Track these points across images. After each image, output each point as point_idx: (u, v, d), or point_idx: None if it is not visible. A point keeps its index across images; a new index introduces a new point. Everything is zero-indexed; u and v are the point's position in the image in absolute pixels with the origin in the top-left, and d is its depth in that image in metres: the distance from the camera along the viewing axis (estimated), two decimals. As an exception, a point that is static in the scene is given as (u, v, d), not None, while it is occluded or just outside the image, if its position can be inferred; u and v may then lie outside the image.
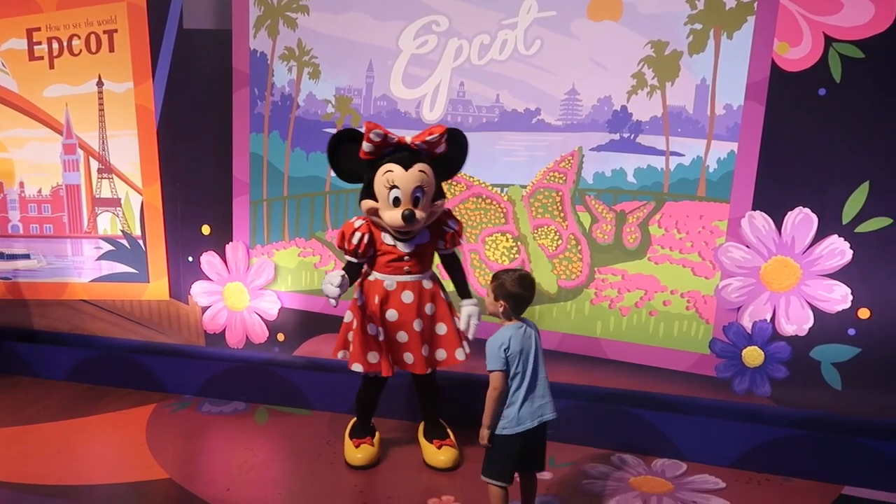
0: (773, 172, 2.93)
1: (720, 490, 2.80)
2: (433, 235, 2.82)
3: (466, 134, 3.15)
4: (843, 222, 2.86)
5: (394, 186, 2.62)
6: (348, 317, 2.87)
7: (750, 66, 2.90)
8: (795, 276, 2.96)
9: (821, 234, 2.90)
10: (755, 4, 2.86)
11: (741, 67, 2.91)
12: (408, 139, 2.68)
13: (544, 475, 2.81)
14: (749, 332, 3.03)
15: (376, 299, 2.75)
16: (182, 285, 3.90)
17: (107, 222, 4.03)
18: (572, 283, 3.26)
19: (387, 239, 2.74)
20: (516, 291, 2.31)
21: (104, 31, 3.82)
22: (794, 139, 2.88)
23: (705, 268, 3.07)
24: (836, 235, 2.88)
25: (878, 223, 2.82)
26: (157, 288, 3.97)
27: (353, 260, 2.77)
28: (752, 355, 3.04)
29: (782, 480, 2.89)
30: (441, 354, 2.85)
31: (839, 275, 2.89)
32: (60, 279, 4.17)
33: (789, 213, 2.92)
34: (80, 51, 3.88)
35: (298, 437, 3.25)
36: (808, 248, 2.92)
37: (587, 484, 2.80)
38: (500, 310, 2.34)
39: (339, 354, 2.87)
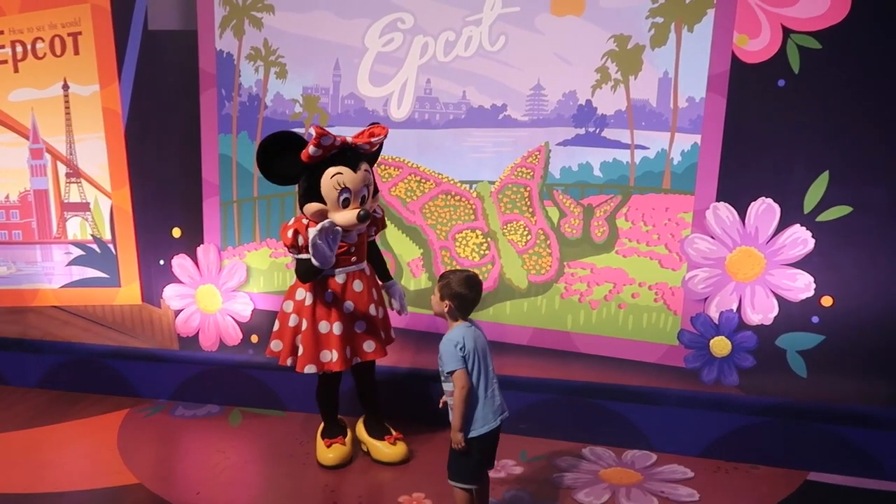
0: (736, 164, 2.95)
1: (688, 479, 2.82)
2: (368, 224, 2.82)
3: (434, 131, 3.17)
4: (805, 211, 2.88)
5: (344, 188, 2.61)
6: (293, 321, 2.82)
7: (711, 58, 2.92)
8: (760, 266, 2.98)
9: (783, 224, 2.92)
10: (714, -3, 2.88)
11: (702, 60, 2.93)
12: (349, 139, 2.66)
13: (514, 469, 2.82)
14: (716, 322, 3.05)
15: (330, 296, 2.74)
16: (154, 289, 3.86)
17: (76, 227, 3.98)
18: (542, 278, 3.27)
19: None
20: (461, 292, 2.30)
21: (68, 34, 3.77)
22: (755, 130, 2.91)
23: (672, 260, 3.09)
24: (798, 225, 2.90)
25: (838, 212, 2.85)
26: (128, 292, 3.93)
27: (307, 256, 2.68)
28: (720, 345, 3.06)
29: (749, 468, 2.92)
30: (384, 336, 2.91)
31: (802, 263, 2.91)
32: (30, 285, 4.11)
33: (752, 203, 2.95)
34: (45, 54, 3.83)
35: (272, 438, 3.23)
36: (771, 238, 2.94)
37: (557, 477, 2.81)
38: (446, 309, 2.33)
39: (289, 361, 2.83)
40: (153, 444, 3.20)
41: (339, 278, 2.76)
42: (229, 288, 3.71)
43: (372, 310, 2.79)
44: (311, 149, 2.55)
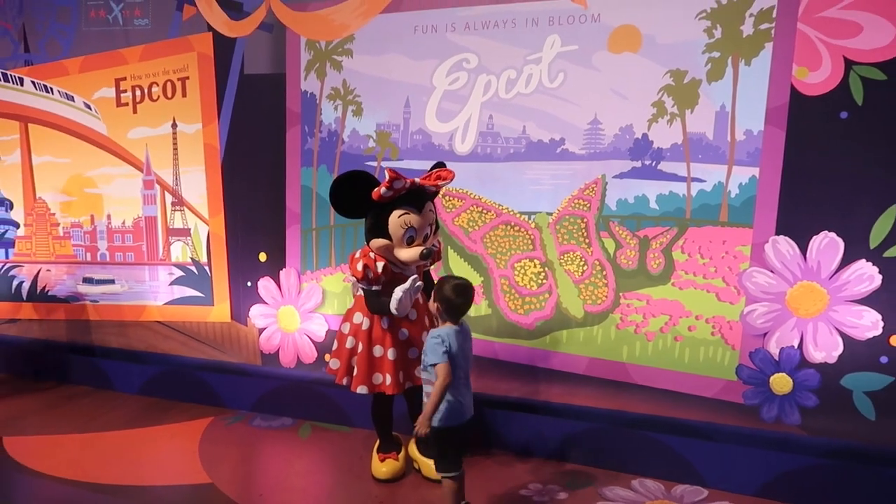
0: (797, 197, 2.86)
1: (738, 518, 2.72)
2: None
3: (496, 164, 3.28)
4: (871, 246, 2.75)
5: (410, 227, 2.74)
6: (350, 342, 2.96)
7: (769, 91, 2.87)
8: (823, 302, 2.86)
9: (848, 259, 2.79)
10: (772, 31, 2.85)
11: (760, 93, 2.88)
12: (417, 181, 2.79)
13: (559, 495, 2.82)
14: (776, 358, 2.94)
15: (386, 321, 2.86)
16: (242, 308, 4.15)
17: (178, 250, 4.36)
18: (598, 308, 3.27)
19: (393, 267, 2.86)
20: (449, 297, 2.53)
21: (178, 79, 4.19)
22: (816, 163, 2.82)
23: (730, 293, 3.02)
24: (863, 260, 2.77)
25: (907, 247, 2.70)
26: (220, 311, 4.25)
27: (376, 288, 2.85)
28: (780, 382, 2.94)
29: (807, 511, 2.77)
30: None
31: (869, 300, 2.77)
32: (139, 302, 4.52)
33: (814, 237, 2.84)
34: (158, 97, 4.27)
35: (335, 451, 3.38)
36: (834, 273, 2.82)
37: (601, 505, 2.79)
38: (436, 310, 2.58)
39: (344, 381, 2.97)
40: (230, 449, 3.42)
41: None
42: (307, 309, 3.94)
43: (425, 336, 2.88)
44: (382, 190, 2.68)
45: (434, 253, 3.00)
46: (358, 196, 2.76)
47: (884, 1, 2.65)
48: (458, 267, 3.53)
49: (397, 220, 2.73)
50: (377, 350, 2.85)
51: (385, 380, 2.84)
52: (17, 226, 4.92)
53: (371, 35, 3.60)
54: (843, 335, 2.82)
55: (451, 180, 2.85)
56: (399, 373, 2.87)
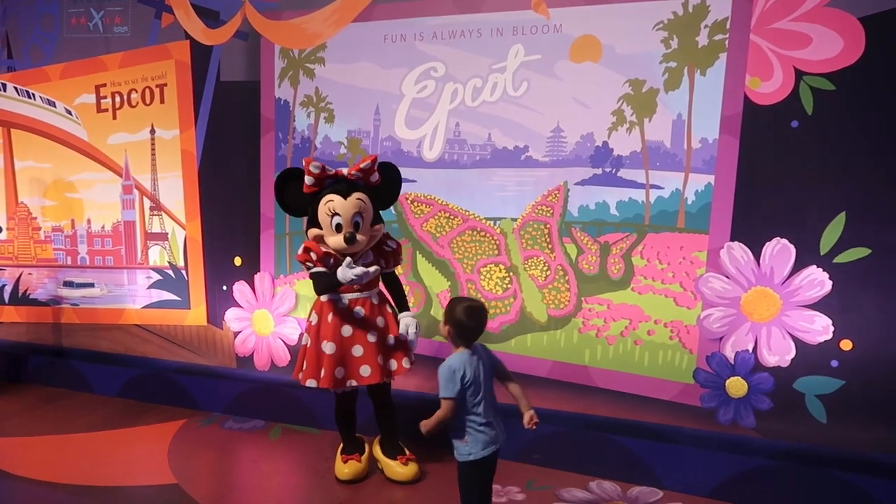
0: (750, 203, 2.93)
1: (688, 518, 2.77)
2: (376, 256, 3.00)
3: (462, 171, 3.35)
4: (822, 252, 2.81)
5: (335, 214, 2.82)
6: (304, 339, 3.03)
7: (723, 100, 2.94)
8: (776, 307, 2.92)
9: (799, 265, 2.86)
10: (726, 42, 2.92)
11: (715, 102, 2.95)
12: (344, 171, 2.90)
13: (516, 496, 2.87)
14: (732, 362, 3.00)
15: (330, 317, 2.93)
16: (217, 312, 4.20)
17: (156, 254, 4.42)
18: (561, 312, 3.33)
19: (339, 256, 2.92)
20: (462, 320, 2.36)
21: (156, 85, 4.26)
22: (769, 171, 2.88)
23: (687, 298, 3.08)
24: (814, 266, 2.83)
25: (856, 253, 2.76)
26: (196, 314, 4.30)
27: (319, 269, 2.90)
28: (736, 386, 3.00)
29: (757, 512, 2.82)
30: (392, 365, 3.00)
31: (819, 305, 2.83)
32: (118, 305, 4.57)
33: (767, 243, 2.91)
34: (137, 103, 4.33)
35: (302, 453, 3.44)
36: (787, 279, 2.88)
37: (556, 506, 2.84)
38: (447, 335, 2.41)
39: (299, 376, 3.03)
40: (199, 451, 3.48)
41: (342, 304, 2.95)
42: (280, 313, 4.00)
43: (371, 337, 2.93)
44: (306, 179, 2.82)
45: (388, 252, 3.05)
46: (295, 192, 2.88)
47: (832, 13, 2.72)
48: (427, 272, 3.59)
49: (323, 206, 2.84)
50: (324, 346, 2.92)
51: (320, 374, 2.89)
52: (0, 230, 4.98)
53: (342, 44, 3.67)
54: (796, 339, 2.88)
55: (371, 164, 2.91)
56: (336, 368, 2.91)
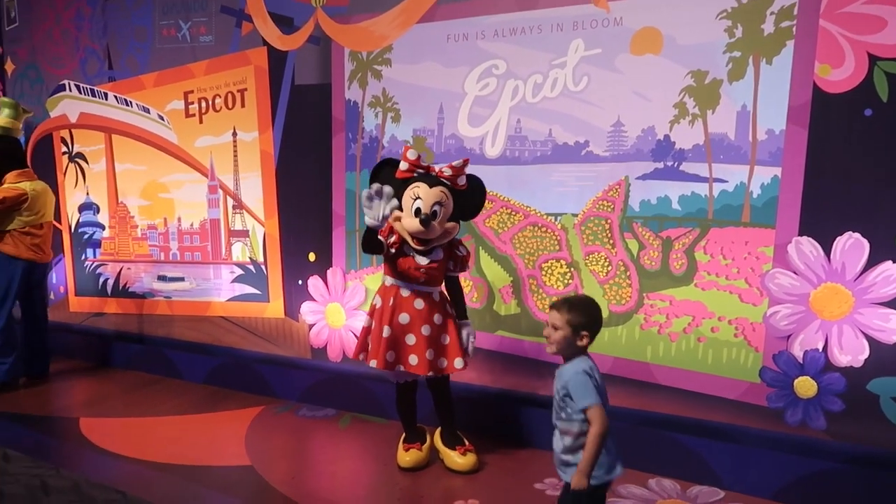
0: (820, 196, 2.82)
1: (749, 520, 2.71)
2: (446, 256, 3.08)
3: (523, 167, 3.39)
4: (898, 247, 2.68)
5: (417, 198, 2.94)
6: (367, 321, 3.17)
7: (791, 90, 2.84)
8: (848, 304, 2.80)
9: (873, 260, 2.73)
10: (794, 29, 2.82)
11: (782, 92, 2.86)
12: (435, 168, 3.01)
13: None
14: (800, 361, 2.90)
15: (391, 301, 3.04)
16: (293, 305, 4.43)
17: (238, 251, 4.69)
18: (622, 308, 3.31)
19: (408, 250, 3.04)
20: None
21: (237, 90, 4.52)
22: (840, 162, 2.77)
23: (752, 294, 3.00)
24: (890, 262, 2.70)
25: (936, 248, 2.62)
26: (275, 307, 4.54)
27: (380, 238, 2.97)
28: (805, 386, 2.90)
29: (824, 517, 2.72)
30: (443, 362, 3.07)
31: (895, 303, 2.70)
32: (205, 298, 4.89)
33: (839, 238, 2.79)
34: (221, 108, 4.62)
35: (369, 441, 3.58)
36: (860, 275, 2.76)
37: (612, 502, 2.83)
38: (581, 342, 2.15)
39: (360, 357, 3.17)
40: (273, 436, 3.68)
41: (404, 292, 3.06)
42: (351, 306, 4.16)
43: (425, 330, 3.01)
44: (402, 164, 2.99)
45: (459, 258, 3.14)
46: (386, 177, 3.02)
47: (908, -6, 2.58)
48: (489, 267, 3.65)
49: (409, 190, 2.98)
50: (385, 330, 3.03)
51: (386, 356, 3.01)
52: (102, 228, 5.42)
53: (407, 45, 3.78)
54: (870, 338, 2.75)
55: (465, 163, 3.04)
56: (388, 352, 3.01)
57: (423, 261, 3.03)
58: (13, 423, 3.89)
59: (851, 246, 2.76)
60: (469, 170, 3.27)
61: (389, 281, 3.11)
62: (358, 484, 3.09)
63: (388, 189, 2.80)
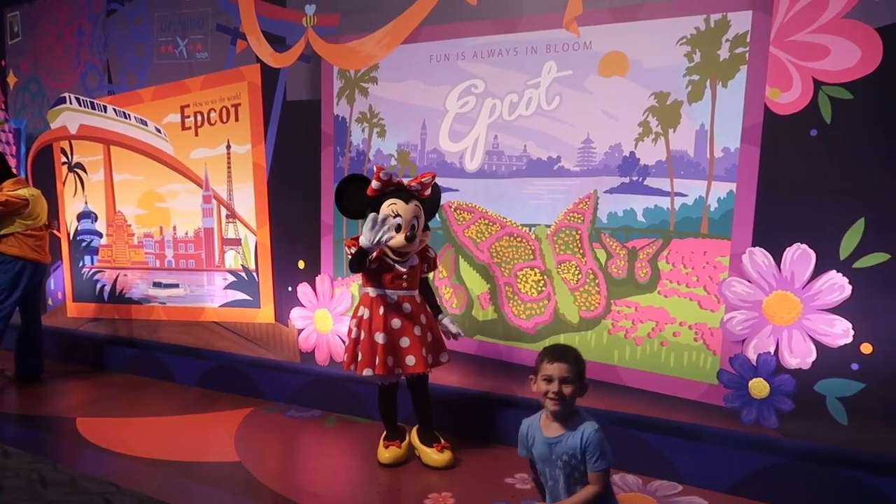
0: (771, 210, 3.02)
1: (703, 510, 2.89)
2: (420, 260, 3.32)
3: (500, 180, 3.60)
4: (841, 258, 2.88)
5: (397, 215, 3.13)
6: (354, 333, 3.33)
7: (744, 111, 3.06)
8: (796, 311, 3.00)
9: (819, 270, 2.93)
10: (747, 55, 3.03)
11: (736, 113, 3.07)
12: (405, 181, 3.22)
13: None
14: (754, 363, 3.09)
15: (381, 310, 3.23)
16: (283, 311, 4.61)
17: (231, 258, 4.88)
18: (591, 314, 3.51)
19: (388, 262, 3.24)
20: None
21: (231, 105, 4.73)
22: (789, 178, 2.97)
23: (711, 301, 3.20)
24: (834, 271, 2.90)
25: (876, 258, 2.81)
26: (265, 313, 4.73)
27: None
28: (758, 387, 3.09)
29: (770, 508, 2.91)
30: (430, 359, 3.28)
31: (840, 309, 2.89)
32: (199, 304, 5.07)
33: (788, 248, 2.99)
34: (216, 121, 4.82)
35: (352, 440, 3.76)
36: (807, 283, 2.96)
37: (576, 494, 3.02)
38: (575, 391, 2.26)
39: (352, 367, 3.34)
40: (261, 435, 3.86)
41: (391, 300, 3.25)
42: (338, 312, 4.35)
43: (417, 331, 3.21)
44: (374, 183, 3.15)
45: (430, 259, 3.36)
46: (356, 196, 3.21)
47: (850, 24, 2.80)
48: (468, 275, 3.84)
49: (386, 208, 3.16)
50: (377, 337, 3.22)
51: (375, 362, 3.20)
52: (100, 235, 5.61)
53: (393, 64, 3.99)
54: (816, 342, 2.95)
55: (432, 179, 3.25)
56: (388, 357, 3.20)
57: (403, 269, 3.23)
58: (13, 423, 4.07)
59: (800, 256, 2.97)
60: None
61: (374, 292, 3.29)
62: (341, 479, 3.27)
63: (391, 220, 3.07)
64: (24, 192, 4.80)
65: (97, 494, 2.97)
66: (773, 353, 3.04)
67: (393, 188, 3.20)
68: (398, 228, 3.14)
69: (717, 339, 3.18)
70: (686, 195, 3.22)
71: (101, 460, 3.47)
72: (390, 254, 3.22)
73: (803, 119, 2.91)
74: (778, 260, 3.01)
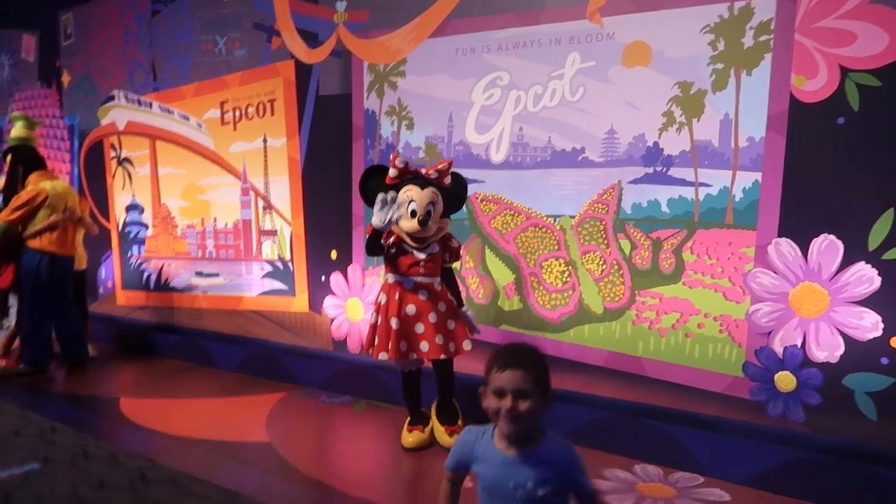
0: (798, 200, 2.94)
1: (723, 502, 2.83)
2: (441, 249, 3.32)
3: (525, 171, 3.58)
4: (870, 249, 2.78)
5: (412, 200, 3.16)
6: (373, 318, 3.39)
7: (769, 99, 2.97)
8: (824, 303, 2.91)
9: (847, 261, 2.84)
10: (771, 42, 2.95)
11: (761, 101, 2.99)
12: (423, 170, 3.24)
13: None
14: (780, 356, 3.02)
15: (396, 296, 3.25)
16: (317, 300, 4.69)
17: (268, 249, 4.98)
18: (616, 305, 3.47)
19: (406, 248, 3.26)
20: None
21: (268, 100, 4.81)
22: (816, 167, 2.88)
23: (736, 292, 3.12)
24: (862, 262, 2.80)
25: (906, 250, 2.72)
26: (300, 301, 4.81)
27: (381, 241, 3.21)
28: (785, 380, 3.01)
29: (792, 503, 2.83)
30: (452, 346, 3.28)
31: (868, 302, 2.80)
32: (238, 293, 5.19)
33: (815, 239, 2.90)
34: (253, 116, 4.92)
35: (379, 424, 3.80)
36: (835, 275, 2.87)
37: (596, 483, 2.99)
38: (546, 408, 1.64)
39: (369, 351, 3.38)
40: (293, 418, 3.93)
41: (407, 286, 3.28)
42: (369, 301, 4.39)
43: (432, 318, 3.23)
44: (391, 171, 3.20)
45: (453, 249, 3.37)
46: (377, 184, 3.25)
47: (877, 10, 2.69)
48: (494, 265, 3.84)
49: (402, 194, 3.20)
50: (392, 322, 3.24)
51: (389, 346, 3.23)
52: (146, 227, 5.78)
53: (420, 58, 4.00)
54: (845, 336, 2.86)
55: (447, 167, 3.26)
56: (401, 342, 3.23)
57: (421, 255, 3.25)
58: (62, 402, 4.24)
59: (827, 247, 2.87)
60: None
61: (392, 278, 3.33)
62: (366, 461, 3.31)
63: (398, 198, 3.07)
64: (46, 184, 4.83)
65: (134, 469, 3.08)
66: (799, 346, 2.96)
67: (411, 176, 3.21)
68: (413, 214, 3.16)
69: (743, 330, 3.11)
70: (710, 185, 3.15)
71: (141, 438, 3.60)
72: (408, 240, 3.24)
73: (830, 107, 2.82)
74: (805, 251, 2.93)
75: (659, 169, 3.27)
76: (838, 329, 2.87)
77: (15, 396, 4.30)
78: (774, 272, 3.01)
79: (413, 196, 3.18)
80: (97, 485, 2.92)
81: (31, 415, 3.88)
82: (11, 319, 5.00)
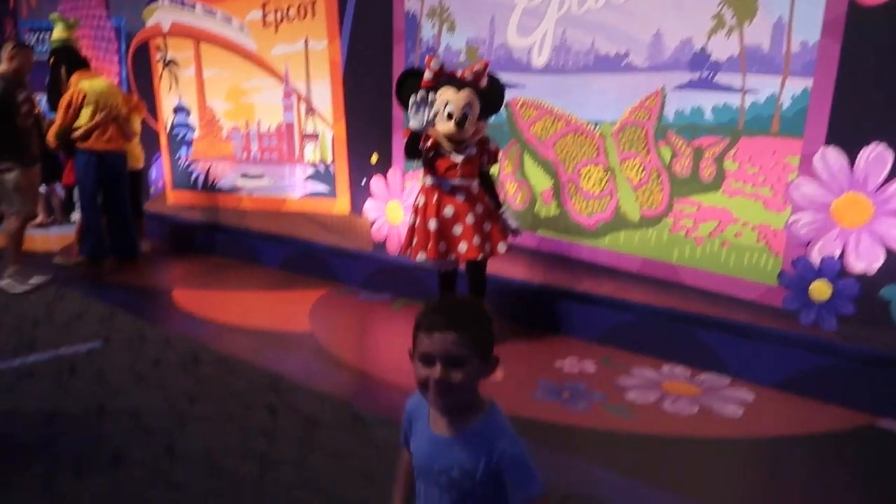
0: (849, 109, 2.82)
1: (745, 402, 2.88)
2: (479, 152, 3.29)
3: (567, 76, 3.49)
4: (921, 160, 2.69)
5: (448, 103, 3.13)
6: (411, 219, 3.42)
7: (826, 2, 2.81)
8: (867, 213, 2.84)
9: (895, 172, 2.75)
10: (837, -62, 2.76)
11: (818, 4, 2.83)
12: (458, 72, 3.20)
13: (588, 368, 3.16)
14: (817, 266, 2.98)
15: (434, 198, 3.28)
16: (358, 202, 4.74)
17: (310, 152, 5.02)
18: (653, 213, 3.44)
19: (444, 151, 3.25)
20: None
21: (309, 1, 4.72)
22: (870, 75, 2.74)
23: (777, 202, 3.06)
24: (911, 173, 2.72)
25: (957, 161, 2.61)
26: (341, 203, 4.87)
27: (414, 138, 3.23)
28: (820, 289, 2.98)
29: (817, 405, 2.87)
30: (488, 247, 3.32)
31: (913, 214, 2.73)
32: (282, 195, 5.27)
33: (864, 149, 2.80)
34: (294, 18, 4.84)
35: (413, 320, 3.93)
36: (881, 186, 2.79)
37: (622, 380, 3.08)
38: (487, 374, 1.24)
39: (407, 253, 3.43)
40: (333, 312, 4.09)
41: (445, 187, 3.29)
42: (409, 205, 4.42)
43: (470, 219, 3.25)
44: (426, 73, 3.17)
45: (490, 151, 3.35)
46: (413, 87, 3.20)
47: None
48: (532, 171, 3.82)
49: (438, 97, 3.18)
50: (431, 224, 3.29)
51: (428, 247, 3.29)
52: (193, 129, 5.85)
53: (464, -44, 3.85)
54: (886, 248, 2.81)
55: (483, 68, 3.22)
56: (440, 242, 3.28)
57: (458, 158, 3.24)
58: (120, 290, 4.46)
59: (875, 157, 2.78)
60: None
61: (430, 181, 3.34)
62: (398, 353, 3.43)
63: (432, 98, 3.05)
64: (85, 84, 4.84)
65: (186, 352, 3.27)
66: (838, 258, 2.92)
67: (446, 78, 3.17)
68: (449, 116, 3.14)
69: (781, 240, 3.06)
70: (758, 92, 3.03)
71: (192, 324, 3.79)
72: (445, 143, 3.23)
73: (891, 12, 2.65)
74: (852, 160, 2.83)
75: (705, 75, 3.16)
76: (880, 240, 2.81)
77: (77, 285, 4.53)
78: (819, 182, 2.93)
79: (449, 98, 3.14)
80: (153, 363, 3.11)
81: (92, 301, 4.10)
82: (77, 213, 5.18)
